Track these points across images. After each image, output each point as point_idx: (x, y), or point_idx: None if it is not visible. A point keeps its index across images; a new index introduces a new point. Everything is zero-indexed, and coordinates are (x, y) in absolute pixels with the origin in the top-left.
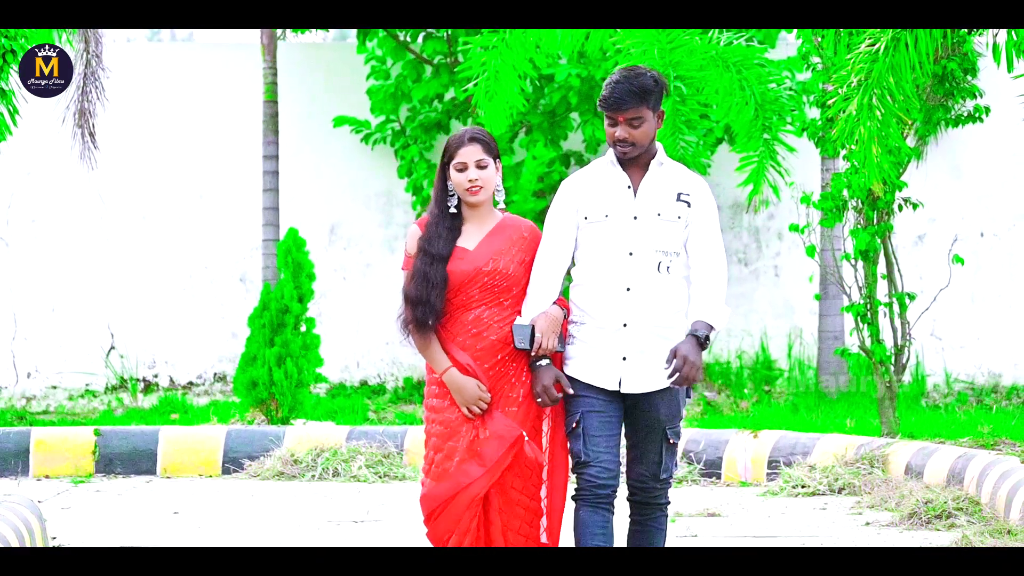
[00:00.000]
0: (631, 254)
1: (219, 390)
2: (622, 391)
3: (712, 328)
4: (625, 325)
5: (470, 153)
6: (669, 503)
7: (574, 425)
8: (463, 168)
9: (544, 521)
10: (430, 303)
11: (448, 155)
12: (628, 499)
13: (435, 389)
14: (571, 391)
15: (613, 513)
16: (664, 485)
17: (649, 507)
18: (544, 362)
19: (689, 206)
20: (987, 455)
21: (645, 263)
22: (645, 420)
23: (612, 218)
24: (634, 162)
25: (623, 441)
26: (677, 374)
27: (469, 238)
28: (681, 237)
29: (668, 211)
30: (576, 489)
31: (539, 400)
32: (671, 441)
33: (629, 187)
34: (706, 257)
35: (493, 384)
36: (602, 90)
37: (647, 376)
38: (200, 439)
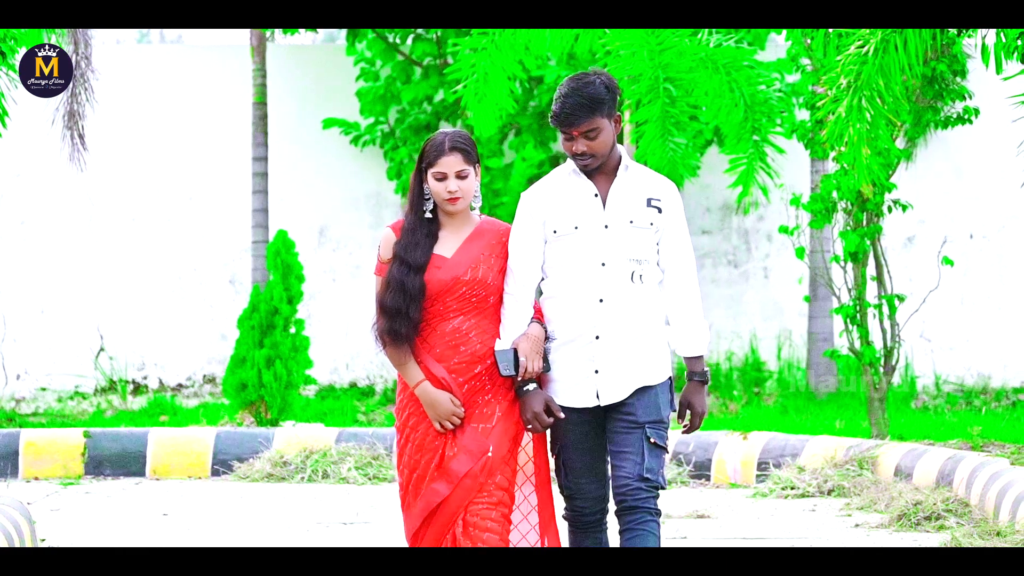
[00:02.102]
0: (603, 264)
1: (208, 392)
2: (601, 404)
3: (703, 356)
4: (597, 337)
5: (451, 163)
6: (659, 512)
7: (554, 457)
8: (442, 178)
9: (510, 527)
10: (407, 315)
11: (426, 161)
12: (616, 512)
13: (404, 401)
14: (562, 416)
15: (605, 532)
16: (650, 488)
17: (637, 511)
18: (531, 387)
19: (660, 212)
20: (976, 457)
21: (618, 273)
22: (623, 423)
23: (582, 229)
24: (598, 170)
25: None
26: (690, 427)
27: (446, 245)
28: (653, 244)
29: (640, 218)
30: (565, 511)
31: (529, 427)
32: (653, 441)
33: (596, 196)
34: (679, 272)
35: (468, 398)
36: (552, 104)
37: (622, 384)
38: (189, 441)
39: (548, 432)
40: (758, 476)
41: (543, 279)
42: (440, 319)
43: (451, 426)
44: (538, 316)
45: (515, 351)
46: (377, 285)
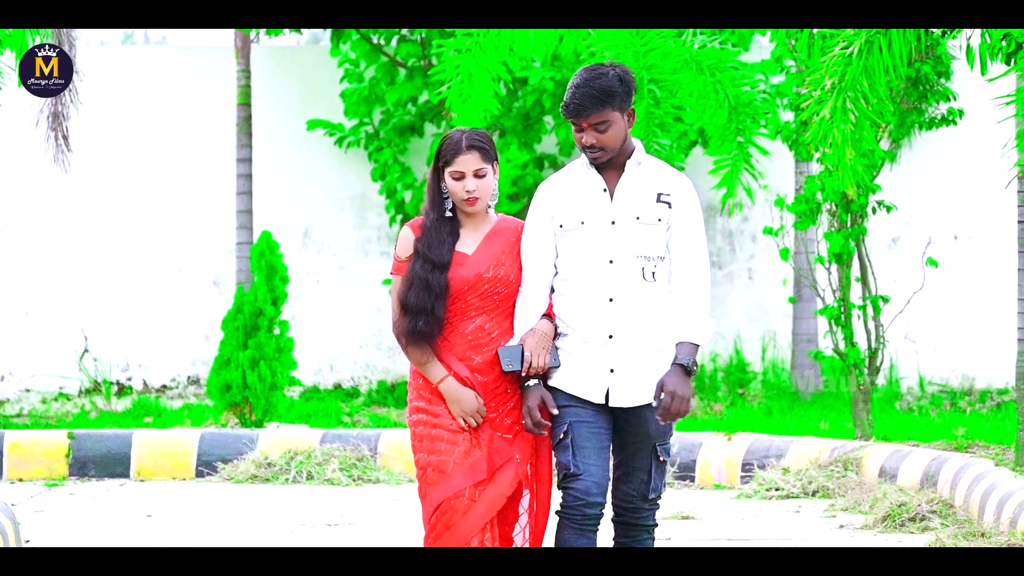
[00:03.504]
0: (611, 262)
1: (193, 393)
2: (610, 405)
3: (698, 347)
4: (611, 337)
5: (468, 162)
6: (656, 525)
7: (562, 436)
8: (460, 177)
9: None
10: (433, 313)
11: (443, 160)
12: (613, 520)
13: (426, 395)
14: (555, 411)
15: (597, 535)
16: (652, 506)
17: (635, 528)
18: (532, 382)
19: (670, 207)
20: (961, 458)
21: (627, 271)
22: (634, 436)
23: (588, 224)
24: (609, 164)
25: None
26: (665, 411)
27: (466, 242)
28: (664, 240)
29: (648, 214)
30: (562, 506)
31: (523, 421)
32: (661, 459)
33: (605, 190)
34: (688, 264)
35: (488, 400)
36: (564, 94)
37: (636, 389)
38: (174, 442)
39: (551, 422)
40: (742, 477)
41: (556, 275)
42: (461, 318)
43: (474, 423)
44: (550, 313)
45: (521, 347)
46: (396, 284)
